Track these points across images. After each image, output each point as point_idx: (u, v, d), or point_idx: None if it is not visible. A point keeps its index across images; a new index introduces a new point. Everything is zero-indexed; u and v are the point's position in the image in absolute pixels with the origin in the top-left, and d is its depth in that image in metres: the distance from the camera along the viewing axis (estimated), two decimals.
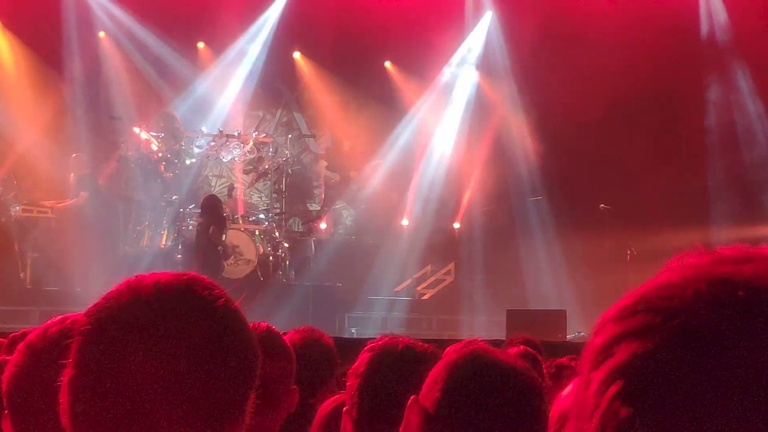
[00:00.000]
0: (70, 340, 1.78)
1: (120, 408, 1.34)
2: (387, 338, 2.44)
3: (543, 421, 1.95)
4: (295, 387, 3.16)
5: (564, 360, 3.82)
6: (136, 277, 1.45)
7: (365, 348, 2.42)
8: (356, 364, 2.39)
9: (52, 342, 1.82)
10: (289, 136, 17.84)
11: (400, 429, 1.93)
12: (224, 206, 14.80)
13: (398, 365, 2.33)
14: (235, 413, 1.41)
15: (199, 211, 14.28)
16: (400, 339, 2.43)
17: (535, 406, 1.93)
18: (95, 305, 1.42)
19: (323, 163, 17.98)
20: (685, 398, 0.73)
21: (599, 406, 0.76)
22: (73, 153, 15.07)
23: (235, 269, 14.48)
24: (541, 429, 1.94)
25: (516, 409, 1.88)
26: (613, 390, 0.76)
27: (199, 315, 1.40)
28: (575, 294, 15.45)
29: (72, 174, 14.69)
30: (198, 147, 16.06)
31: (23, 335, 3.45)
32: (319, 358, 3.78)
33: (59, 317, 1.91)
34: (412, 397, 1.93)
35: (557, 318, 12.07)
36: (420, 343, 2.45)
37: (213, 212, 13.98)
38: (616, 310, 0.80)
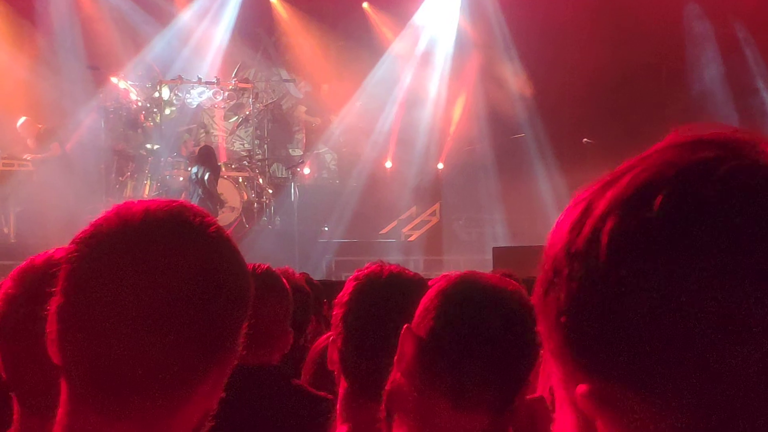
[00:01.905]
0: (56, 269, 1.77)
1: (111, 336, 1.31)
2: (373, 266, 2.39)
3: (536, 342, 1.93)
4: (290, 329, 3.17)
5: None
6: (125, 203, 1.41)
7: (351, 277, 2.39)
8: (341, 293, 2.36)
9: (39, 272, 1.80)
10: (270, 81, 17.71)
11: (395, 358, 1.92)
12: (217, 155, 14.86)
13: (382, 293, 2.29)
14: (228, 341, 1.39)
15: (195, 160, 14.27)
16: (386, 267, 2.38)
17: (528, 328, 1.90)
18: (83, 232, 1.38)
19: (302, 108, 17.88)
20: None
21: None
22: (48, 105, 14.90)
23: (219, 217, 14.43)
24: (535, 350, 1.93)
25: (509, 332, 1.87)
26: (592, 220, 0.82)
27: (191, 241, 1.37)
28: None
29: (27, 140, 14.47)
30: (177, 95, 15.94)
31: None
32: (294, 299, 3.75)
33: (49, 250, 1.88)
34: (405, 326, 1.92)
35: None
36: (407, 271, 2.41)
37: (209, 161, 14.01)
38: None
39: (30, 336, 1.74)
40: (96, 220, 1.39)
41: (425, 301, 1.91)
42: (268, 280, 3.03)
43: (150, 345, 1.31)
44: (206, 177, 13.77)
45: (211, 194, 13.89)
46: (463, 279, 1.92)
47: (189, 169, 14.84)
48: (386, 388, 1.93)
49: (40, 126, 14.47)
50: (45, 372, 1.73)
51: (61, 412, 1.38)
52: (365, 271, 2.38)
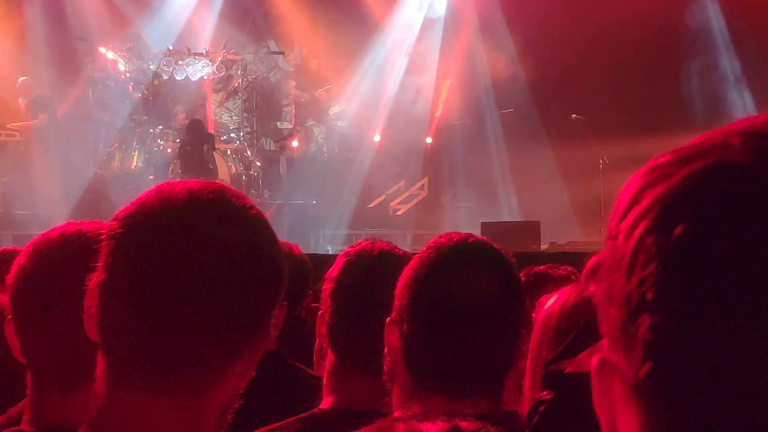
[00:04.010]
0: (75, 246, 1.77)
1: (153, 312, 1.33)
2: (365, 243, 2.40)
3: (516, 325, 1.94)
4: (284, 303, 3.16)
5: (542, 268, 3.77)
6: (166, 183, 1.43)
7: (342, 252, 2.41)
8: (332, 268, 2.37)
9: (56, 248, 1.80)
10: (258, 53, 17.62)
11: (386, 350, 1.94)
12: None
13: (372, 270, 2.30)
14: (263, 322, 1.41)
15: (186, 132, 14.26)
16: (377, 244, 2.39)
17: (510, 316, 1.92)
18: (126, 209, 1.40)
19: (292, 82, 17.81)
20: (713, 230, 0.70)
21: (627, 249, 0.74)
22: (35, 75, 14.80)
23: None
24: (515, 330, 1.94)
25: (486, 331, 1.88)
26: (640, 229, 0.73)
27: (232, 222, 1.39)
28: (549, 205, 15.50)
29: (21, 99, 14.39)
30: (165, 67, 15.86)
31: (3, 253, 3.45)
32: (294, 271, 3.73)
33: (63, 224, 1.88)
34: (387, 320, 1.93)
35: (531, 229, 12.13)
36: (397, 249, 2.41)
37: (202, 133, 14.05)
38: (644, 168, 0.77)
39: (46, 311, 1.74)
40: (138, 198, 1.41)
41: (397, 297, 1.92)
42: None
43: (191, 323, 1.34)
44: (205, 149, 13.85)
45: (204, 167, 13.87)
46: (431, 279, 1.90)
47: (177, 141, 14.78)
48: (384, 370, 1.95)
49: (39, 92, 14.38)
50: (63, 347, 1.73)
51: (98, 387, 1.39)
52: (356, 247, 2.39)
